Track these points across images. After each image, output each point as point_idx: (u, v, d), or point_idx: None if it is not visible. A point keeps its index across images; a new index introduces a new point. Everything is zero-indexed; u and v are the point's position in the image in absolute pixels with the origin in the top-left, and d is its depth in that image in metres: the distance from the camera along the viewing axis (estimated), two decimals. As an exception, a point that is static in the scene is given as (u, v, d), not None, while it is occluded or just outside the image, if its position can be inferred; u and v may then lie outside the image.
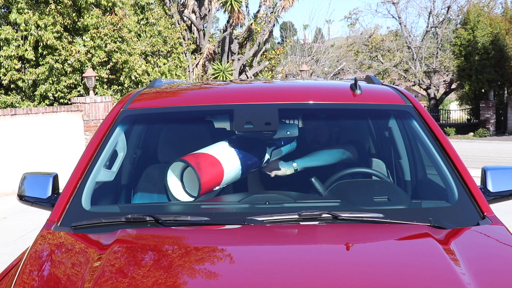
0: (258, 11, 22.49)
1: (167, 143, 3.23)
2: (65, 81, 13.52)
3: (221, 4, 20.96)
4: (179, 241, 2.21)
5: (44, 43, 13.12)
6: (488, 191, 2.63)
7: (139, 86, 14.45)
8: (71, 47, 13.40)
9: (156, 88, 3.23)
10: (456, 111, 34.11)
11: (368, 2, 59.46)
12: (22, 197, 2.76)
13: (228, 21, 21.60)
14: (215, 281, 1.84)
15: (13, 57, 13.04)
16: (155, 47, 15.53)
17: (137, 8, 16.04)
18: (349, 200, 2.54)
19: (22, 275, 1.96)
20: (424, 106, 24.05)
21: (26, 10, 12.98)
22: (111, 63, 13.98)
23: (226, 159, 2.66)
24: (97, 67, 13.84)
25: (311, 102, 2.89)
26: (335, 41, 38.19)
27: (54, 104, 13.63)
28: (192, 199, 2.61)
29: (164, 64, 15.84)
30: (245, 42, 22.46)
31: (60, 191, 2.61)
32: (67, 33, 13.73)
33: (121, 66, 14.10)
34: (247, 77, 21.46)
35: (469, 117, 31.50)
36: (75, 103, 12.47)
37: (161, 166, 3.02)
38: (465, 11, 29.81)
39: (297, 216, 2.25)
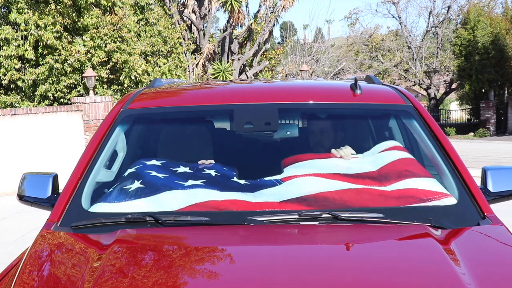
0: (258, 11, 22.50)
1: (167, 143, 3.23)
2: (65, 81, 13.53)
3: (221, 4, 20.97)
4: (179, 241, 2.21)
5: (44, 43, 13.12)
6: (488, 191, 2.63)
7: (139, 86, 14.45)
8: (71, 47, 13.41)
9: (156, 88, 3.23)
10: (456, 111, 34.12)
11: (368, 2, 59.43)
12: (22, 197, 2.75)
13: (228, 21, 21.60)
14: (215, 281, 1.84)
15: (13, 57, 13.05)
16: (155, 47, 15.53)
17: (136, 8, 16.04)
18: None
19: (22, 275, 1.96)
20: (424, 106, 24.07)
21: (26, 10, 12.98)
22: (111, 63, 13.98)
23: None
24: (97, 67, 13.84)
25: (311, 102, 2.89)
26: (335, 41, 38.20)
27: (54, 104, 13.64)
28: None
29: (164, 64, 15.84)
30: (245, 42, 22.47)
31: (60, 191, 2.60)
32: (67, 33, 13.73)
33: (121, 66, 14.10)
34: (247, 77, 21.46)
35: (469, 117, 31.50)
36: (75, 103, 12.47)
37: None
38: (465, 11, 29.81)
39: (297, 216, 2.25)
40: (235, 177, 2.63)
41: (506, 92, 29.34)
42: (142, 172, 2.62)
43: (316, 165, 2.64)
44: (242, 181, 2.59)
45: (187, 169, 2.67)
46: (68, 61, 13.31)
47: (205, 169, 2.67)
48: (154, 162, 2.71)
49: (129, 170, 2.67)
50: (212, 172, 2.66)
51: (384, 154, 2.71)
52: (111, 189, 2.57)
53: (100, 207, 2.44)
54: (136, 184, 2.53)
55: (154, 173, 2.61)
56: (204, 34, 21.50)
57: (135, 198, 2.43)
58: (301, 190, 2.45)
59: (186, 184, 2.52)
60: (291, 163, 2.67)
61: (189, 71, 20.08)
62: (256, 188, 2.52)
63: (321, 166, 2.63)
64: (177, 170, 2.66)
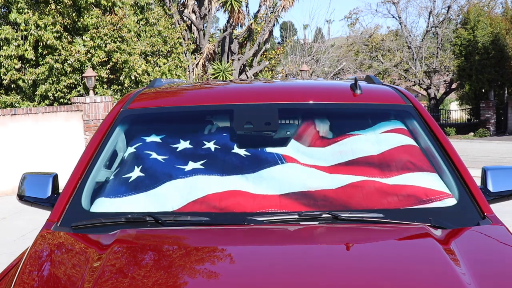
0: (258, 11, 22.50)
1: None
2: (65, 81, 13.53)
3: (221, 4, 20.97)
4: (179, 241, 2.21)
5: (44, 43, 13.13)
6: (488, 191, 2.63)
7: (139, 86, 14.45)
8: (71, 47, 13.41)
9: (156, 88, 3.24)
10: (456, 111, 34.12)
11: (368, 2, 59.43)
12: (22, 197, 2.75)
13: (228, 21, 21.60)
14: (215, 281, 1.84)
15: (13, 57, 13.05)
16: (155, 47, 15.53)
17: (136, 8, 16.03)
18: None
19: (22, 275, 1.96)
20: (424, 106, 24.09)
21: (26, 10, 12.99)
22: (111, 63, 13.98)
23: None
24: (97, 67, 13.84)
25: (311, 102, 2.89)
26: (335, 41, 38.20)
27: (54, 104, 13.64)
28: None
29: (164, 64, 15.84)
30: (245, 42, 22.46)
31: (60, 191, 2.61)
32: (67, 33, 13.74)
33: (121, 66, 14.10)
34: (247, 77, 21.46)
35: (469, 117, 31.50)
36: (75, 103, 12.47)
37: None
38: (465, 11, 29.81)
39: (297, 216, 2.25)
40: (235, 147, 2.66)
41: (506, 92, 29.33)
42: (141, 153, 2.65)
43: (318, 155, 2.66)
44: (242, 151, 2.62)
45: (187, 144, 2.70)
46: (68, 61, 13.31)
47: (205, 142, 2.71)
48: (153, 138, 2.75)
49: (130, 150, 2.70)
50: (212, 146, 2.69)
51: (387, 136, 2.73)
52: (112, 176, 2.59)
53: (101, 204, 2.45)
54: (136, 172, 2.55)
55: (154, 154, 2.64)
56: (204, 34, 21.50)
57: (135, 193, 2.46)
58: (302, 184, 2.46)
59: (186, 168, 2.55)
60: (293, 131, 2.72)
61: (189, 71, 20.07)
62: (257, 165, 2.54)
63: (323, 156, 2.65)
64: (177, 148, 2.69)
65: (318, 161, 2.62)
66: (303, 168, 2.56)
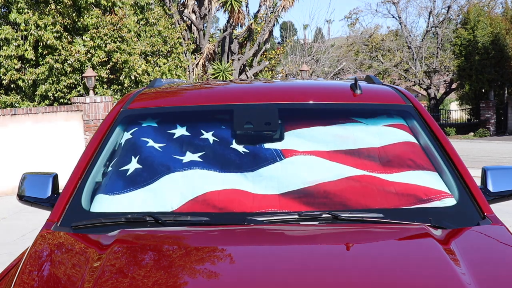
0: (258, 11, 22.50)
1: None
2: (65, 81, 13.53)
3: (221, 4, 20.97)
4: (179, 241, 2.21)
5: (44, 43, 13.13)
6: (488, 191, 2.63)
7: (139, 86, 14.45)
8: (71, 47, 13.41)
9: (156, 88, 3.24)
10: (456, 111, 34.13)
11: (368, 2, 59.49)
12: (22, 197, 2.75)
13: (228, 21, 21.60)
14: (215, 281, 1.84)
15: (13, 57, 13.06)
16: (155, 47, 15.53)
17: (136, 8, 16.03)
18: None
19: (22, 275, 1.96)
20: (424, 106, 24.06)
21: (26, 10, 12.99)
22: (111, 63, 13.98)
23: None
24: (97, 67, 13.84)
25: (311, 102, 2.89)
26: (335, 41, 38.20)
27: (54, 104, 13.65)
28: None
29: (164, 64, 15.83)
30: (245, 42, 22.47)
31: (60, 191, 2.61)
32: (67, 33, 13.74)
33: (121, 66, 14.10)
34: (247, 77, 21.46)
35: (469, 117, 31.51)
36: (75, 103, 12.47)
37: None
38: (465, 11, 29.82)
39: (297, 216, 2.25)
40: (234, 142, 2.66)
41: (506, 92, 29.33)
42: (138, 141, 2.65)
43: (318, 135, 2.66)
44: (240, 147, 2.62)
45: (184, 130, 2.71)
46: (68, 61, 13.32)
47: (202, 132, 2.71)
48: (150, 123, 2.76)
49: (126, 136, 2.71)
50: (210, 137, 2.69)
51: (388, 129, 2.74)
52: (110, 168, 2.59)
53: (101, 201, 2.45)
54: (134, 164, 2.55)
55: (151, 142, 2.64)
56: (204, 34, 21.50)
57: (134, 188, 2.46)
58: (301, 178, 2.46)
59: (184, 160, 2.55)
60: (293, 128, 2.72)
61: (189, 71, 20.07)
62: (255, 163, 2.54)
63: (323, 137, 2.65)
64: (174, 134, 2.68)
65: (318, 144, 2.62)
66: (302, 159, 2.56)
